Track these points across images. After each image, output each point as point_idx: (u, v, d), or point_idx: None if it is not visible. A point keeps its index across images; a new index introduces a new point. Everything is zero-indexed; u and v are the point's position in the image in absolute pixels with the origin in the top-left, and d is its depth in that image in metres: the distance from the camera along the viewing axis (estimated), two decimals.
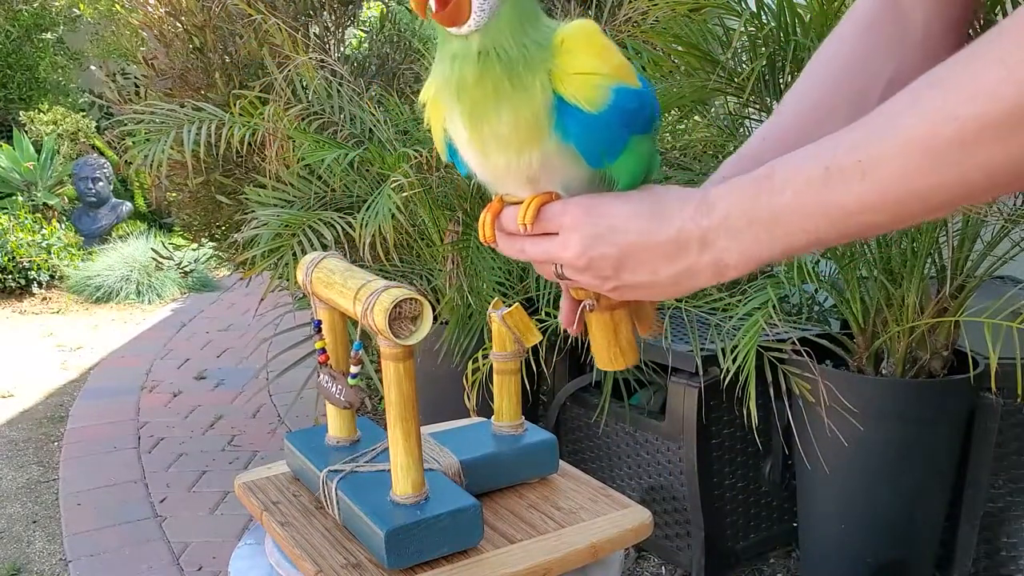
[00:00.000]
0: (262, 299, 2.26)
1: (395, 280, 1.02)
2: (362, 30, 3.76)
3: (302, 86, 2.48)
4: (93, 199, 6.44)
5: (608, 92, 0.62)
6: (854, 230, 0.55)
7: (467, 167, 0.69)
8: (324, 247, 2.03)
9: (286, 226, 2.14)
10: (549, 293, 2.19)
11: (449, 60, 0.62)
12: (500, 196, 0.69)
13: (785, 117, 0.74)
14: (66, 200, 6.57)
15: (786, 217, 0.57)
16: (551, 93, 0.61)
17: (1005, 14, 1.66)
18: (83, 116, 7.20)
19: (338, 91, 2.50)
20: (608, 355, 0.75)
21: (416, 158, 2.11)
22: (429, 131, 0.69)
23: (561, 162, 0.64)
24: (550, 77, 0.61)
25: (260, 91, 2.45)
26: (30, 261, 5.48)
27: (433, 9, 0.59)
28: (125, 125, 2.54)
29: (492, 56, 0.60)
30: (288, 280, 2.19)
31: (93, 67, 7.75)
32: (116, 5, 7.10)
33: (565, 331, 0.75)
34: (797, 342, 1.88)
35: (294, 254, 2.06)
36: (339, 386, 1.07)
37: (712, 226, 0.60)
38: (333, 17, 3.13)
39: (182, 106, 2.47)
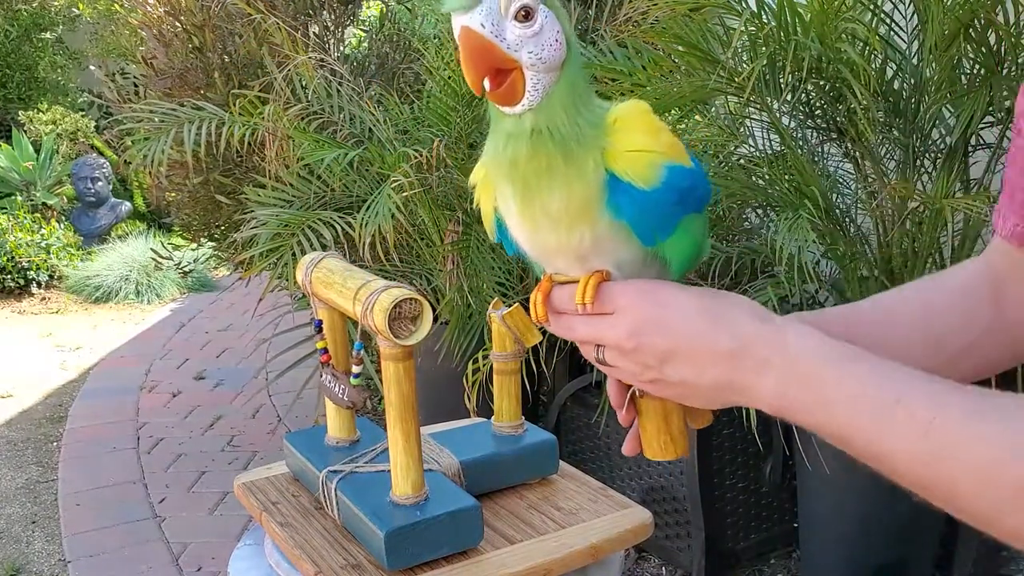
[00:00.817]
0: (260, 299, 2.26)
1: (395, 280, 1.02)
2: (362, 29, 3.75)
3: (301, 86, 2.47)
4: (92, 199, 6.43)
5: (661, 169, 0.61)
6: (876, 463, 0.57)
7: (516, 246, 0.68)
8: (323, 247, 2.03)
9: (285, 226, 2.13)
10: None
11: (504, 138, 0.61)
12: (549, 275, 0.68)
13: (865, 312, 0.74)
14: (65, 200, 6.56)
15: (839, 411, 0.57)
16: (604, 171, 0.61)
17: (1005, 13, 1.66)
18: (82, 116, 7.20)
19: (338, 91, 2.49)
20: (658, 443, 0.72)
21: (416, 158, 2.11)
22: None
23: (613, 240, 0.63)
24: (603, 155, 0.61)
25: (259, 91, 2.45)
26: (29, 261, 5.47)
27: (488, 88, 0.59)
28: (124, 125, 2.54)
29: (545, 134, 0.60)
30: (288, 280, 2.19)
31: (92, 67, 7.74)
32: (115, 5, 7.09)
33: None
34: None
35: (293, 254, 2.05)
36: (342, 386, 1.07)
37: (775, 361, 0.59)
38: (332, 16, 3.13)
39: (181, 105, 2.47)
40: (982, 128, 1.87)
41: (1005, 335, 0.72)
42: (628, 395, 0.70)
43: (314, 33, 3.10)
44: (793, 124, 2.06)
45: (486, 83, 0.60)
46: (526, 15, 0.59)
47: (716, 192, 2.00)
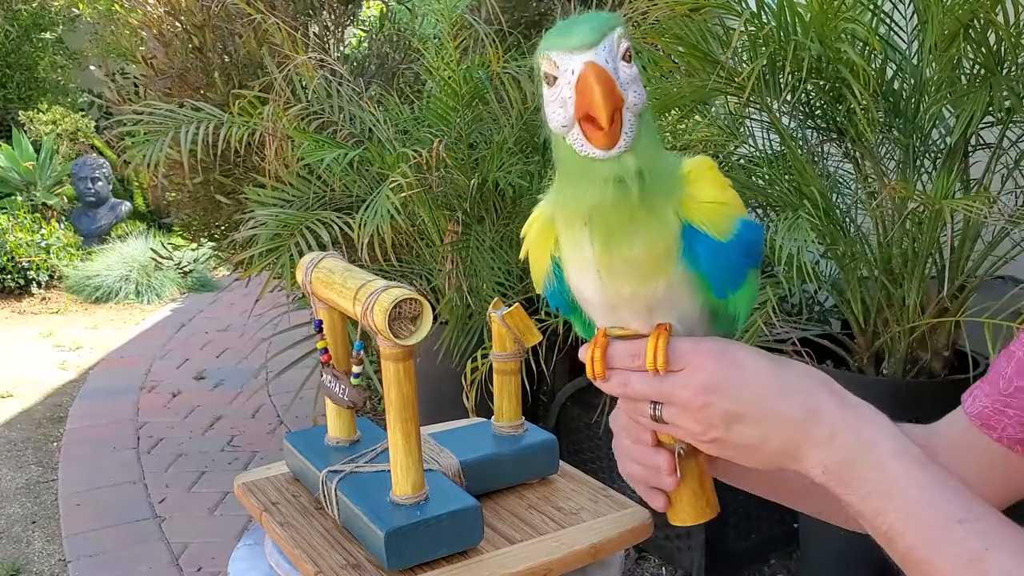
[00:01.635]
0: (258, 299, 2.26)
1: (395, 280, 1.02)
2: (362, 29, 3.76)
3: (301, 86, 2.47)
4: (92, 199, 6.43)
5: (735, 222, 0.62)
6: (909, 565, 0.59)
7: (568, 297, 0.67)
8: (323, 247, 2.02)
9: (284, 226, 2.13)
10: None
11: (598, 183, 0.60)
12: (603, 330, 0.66)
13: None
14: (65, 200, 6.56)
15: (896, 506, 0.59)
16: (681, 221, 0.61)
17: (1005, 13, 1.66)
18: (82, 116, 7.20)
19: (337, 91, 2.49)
20: (695, 507, 0.71)
21: (416, 158, 2.11)
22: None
23: (685, 292, 0.63)
24: (680, 205, 0.61)
25: (259, 91, 2.45)
26: (29, 261, 5.47)
27: (605, 127, 0.58)
28: (124, 125, 2.54)
29: (646, 176, 0.59)
30: (287, 280, 2.19)
31: (92, 67, 7.74)
32: (115, 5, 7.09)
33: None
34: (797, 342, 1.87)
35: (292, 255, 2.05)
36: (342, 386, 1.07)
37: (843, 439, 0.60)
38: (332, 16, 3.13)
39: (181, 106, 2.47)
40: (982, 128, 1.87)
41: None
42: (675, 460, 0.68)
43: (314, 33, 3.11)
44: (793, 124, 2.06)
45: (572, 123, 0.58)
46: (630, 57, 0.59)
47: None
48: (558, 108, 0.59)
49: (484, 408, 1.45)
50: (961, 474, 0.74)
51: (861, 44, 1.80)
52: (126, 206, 6.67)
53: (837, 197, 2.09)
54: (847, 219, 2.02)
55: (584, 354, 0.66)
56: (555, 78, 0.59)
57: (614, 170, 0.59)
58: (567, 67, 0.58)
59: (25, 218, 5.83)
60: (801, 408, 0.61)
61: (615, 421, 0.71)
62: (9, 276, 5.41)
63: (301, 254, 2.01)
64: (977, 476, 0.74)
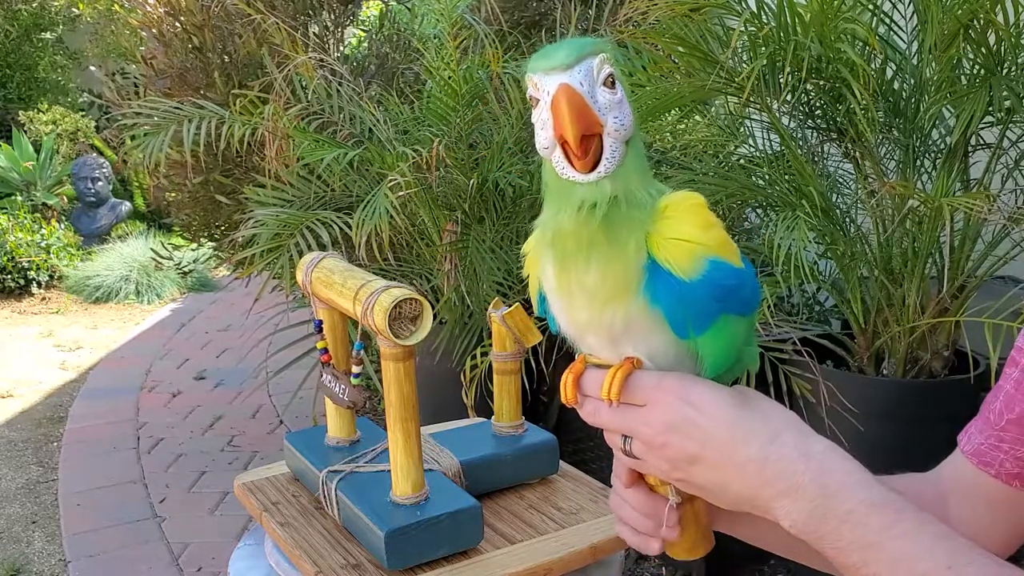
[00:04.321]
0: (256, 299, 2.26)
1: (395, 280, 1.02)
2: (361, 29, 3.76)
3: (301, 86, 2.47)
4: (92, 199, 6.43)
5: (703, 262, 0.60)
6: None
7: (556, 321, 0.67)
8: (323, 247, 2.02)
9: (284, 226, 2.13)
10: None
11: (575, 204, 0.60)
12: (583, 356, 0.67)
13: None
14: (65, 200, 6.56)
15: (880, 557, 0.57)
16: (645, 254, 0.60)
17: (1005, 13, 1.66)
18: (82, 116, 7.20)
19: (337, 91, 2.49)
20: (692, 544, 0.71)
21: (415, 158, 2.11)
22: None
23: (646, 326, 0.62)
24: (646, 238, 0.60)
25: (259, 91, 2.45)
26: (29, 261, 5.47)
27: (576, 152, 0.59)
28: (126, 121, 2.53)
29: (622, 201, 0.60)
30: (287, 280, 2.19)
31: (92, 67, 7.75)
32: (115, 5, 7.09)
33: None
34: (798, 342, 1.87)
35: (291, 255, 2.05)
36: (342, 386, 1.07)
37: (809, 491, 0.58)
38: (332, 16, 3.13)
39: (181, 104, 2.47)
40: (982, 128, 1.87)
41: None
42: (667, 512, 0.68)
43: (314, 33, 3.11)
44: (793, 124, 2.06)
45: (557, 146, 0.59)
46: (612, 83, 0.59)
47: (717, 194, 2.00)
48: (540, 129, 0.60)
49: (484, 408, 1.45)
50: (969, 516, 0.73)
51: (861, 44, 1.81)
52: (126, 206, 6.67)
53: (837, 197, 2.09)
54: (847, 219, 2.02)
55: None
56: (538, 100, 0.60)
57: (591, 194, 0.59)
58: (545, 88, 0.59)
59: (25, 218, 5.83)
60: (760, 456, 0.59)
61: (616, 477, 0.71)
62: (9, 276, 5.42)
63: (301, 254, 2.01)
64: (984, 516, 0.74)
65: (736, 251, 0.63)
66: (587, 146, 0.58)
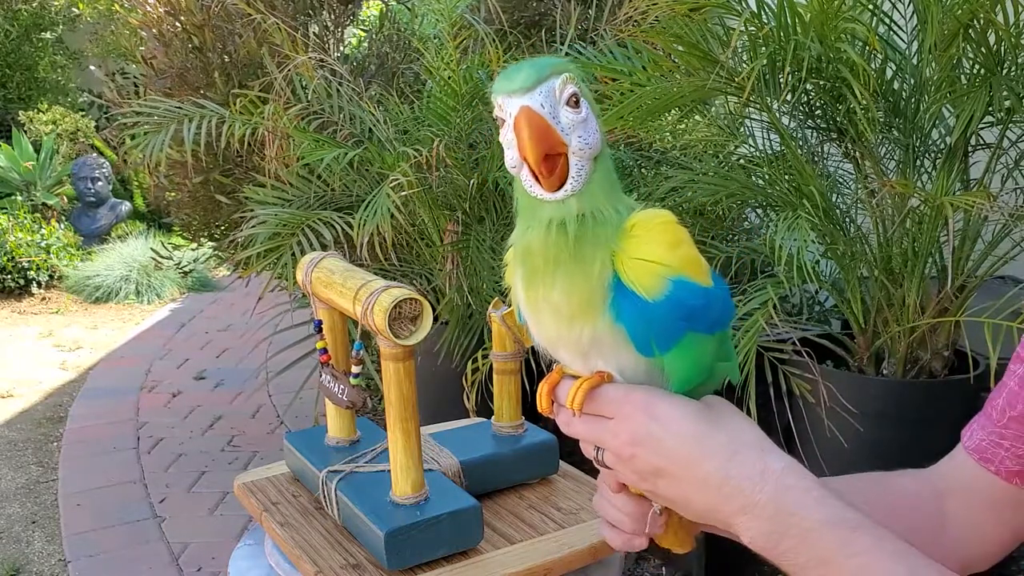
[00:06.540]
0: (259, 298, 2.26)
1: (395, 280, 1.02)
2: (362, 29, 3.76)
3: (301, 85, 2.47)
4: (92, 199, 6.43)
5: (667, 283, 0.61)
6: None
7: (531, 334, 0.68)
8: (323, 247, 2.02)
9: (284, 225, 2.13)
10: None
11: (543, 222, 0.61)
12: (560, 367, 0.68)
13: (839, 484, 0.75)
14: (65, 200, 6.56)
15: (841, 572, 0.58)
16: (610, 273, 0.61)
17: (1005, 13, 1.66)
18: (82, 116, 7.20)
19: (337, 90, 2.49)
20: (677, 542, 0.75)
21: (415, 158, 2.11)
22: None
23: (612, 342, 0.63)
24: (612, 257, 0.61)
25: (259, 90, 2.45)
26: (29, 261, 5.47)
27: (541, 171, 0.59)
28: (125, 123, 2.53)
29: (588, 219, 0.60)
30: (287, 280, 2.19)
31: (92, 67, 7.75)
32: (115, 4, 7.09)
33: None
34: (797, 342, 1.87)
35: (293, 254, 2.05)
36: (341, 386, 1.07)
37: (767, 509, 0.60)
38: (332, 16, 3.13)
39: (181, 104, 2.47)
40: (982, 128, 1.87)
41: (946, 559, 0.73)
42: (648, 520, 0.70)
43: (314, 33, 3.10)
44: (793, 124, 2.06)
45: (544, 169, 0.59)
46: (576, 102, 0.60)
47: (717, 194, 2.00)
48: (507, 149, 0.61)
49: (484, 408, 1.45)
50: (968, 514, 0.74)
51: (861, 44, 1.81)
52: (126, 206, 6.67)
53: (837, 197, 2.09)
54: (847, 219, 2.02)
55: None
56: (504, 120, 0.61)
57: (557, 212, 0.60)
58: (508, 111, 0.60)
59: (25, 218, 5.83)
60: (720, 472, 0.60)
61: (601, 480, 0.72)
62: (9, 276, 5.42)
63: (301, 254, 2.01)
64: (983, 514, 0.75)
65: (706, 269, 0.63)
66: (552, 165, 0.59)
